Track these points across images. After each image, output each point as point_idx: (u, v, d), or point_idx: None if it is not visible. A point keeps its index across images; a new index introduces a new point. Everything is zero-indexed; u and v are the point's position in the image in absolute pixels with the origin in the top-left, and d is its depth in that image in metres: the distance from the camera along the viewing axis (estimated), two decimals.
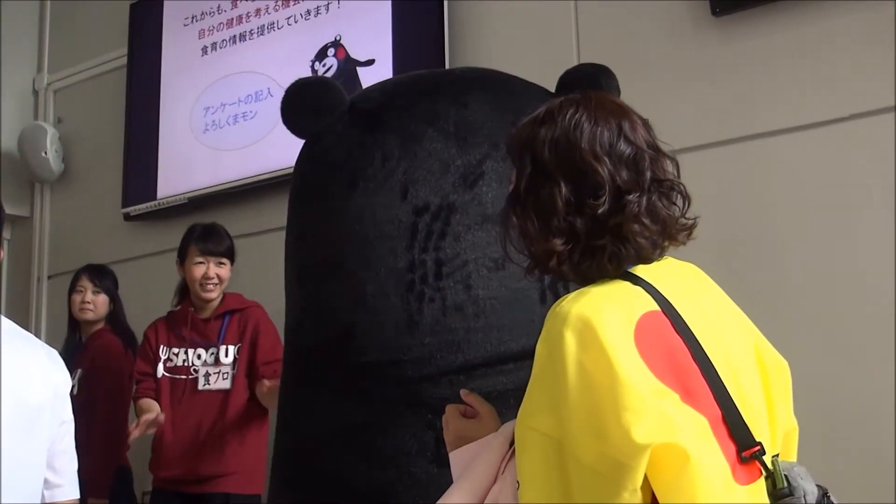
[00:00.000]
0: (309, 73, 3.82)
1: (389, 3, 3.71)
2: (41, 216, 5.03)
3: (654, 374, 1.12)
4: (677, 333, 1.18)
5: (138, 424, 3.03)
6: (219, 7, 4.33)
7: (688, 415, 1.12)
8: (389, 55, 3.66)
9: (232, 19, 4.29)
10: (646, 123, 1.32)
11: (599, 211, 1.23)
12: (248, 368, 3.18)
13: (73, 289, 3.60)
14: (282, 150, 3.64)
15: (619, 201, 1.24)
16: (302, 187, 2.15)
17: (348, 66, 3.78)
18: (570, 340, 1.16)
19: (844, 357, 2.57)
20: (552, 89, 2.17)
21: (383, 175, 1.98)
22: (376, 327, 1.89)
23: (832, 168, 2.70)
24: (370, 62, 3.72)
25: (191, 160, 4.26)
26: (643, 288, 1.22)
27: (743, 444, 1.15)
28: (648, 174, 1.27)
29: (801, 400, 2.51)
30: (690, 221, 1.32)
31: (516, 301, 1.91)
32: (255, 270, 3.36)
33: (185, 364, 3.23)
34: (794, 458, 1.32)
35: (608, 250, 1.24)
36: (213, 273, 3.21)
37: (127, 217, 4.50)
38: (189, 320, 3.28)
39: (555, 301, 1.71)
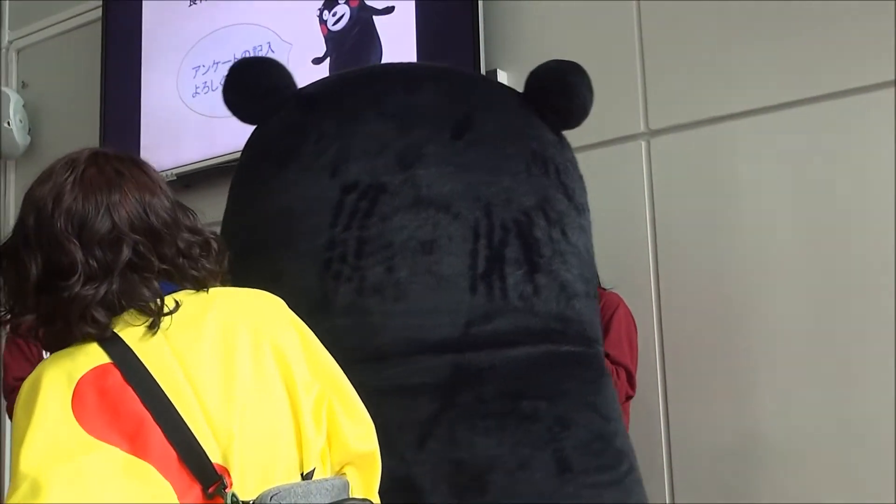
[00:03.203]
0: (317, 24, 3.61)
1: None
2: (5, 196, 4.75)
3: (85, 430, 1.19)
4: (128, 383, 1.23)
5: None
6: None
7: (123, 464, 1.17)
8: (412, 2, 3.35)
9: None
10: (151, 189, 1.37)
11: (65, 294, 1.27)
12: None
13: None
14: None
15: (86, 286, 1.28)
16: (238, 173, 2.17)
17: (363, 16, 3.49)
18: (19, 401, 1.26)
19: (841, 354, 2.52)
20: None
21: (315, 152, 1.97)
22: (290, 306, 1.75)
23: (826, 147, 2.66)
24: (389, 10, 3.42)
25: (179, 130, 3.96)
26: (102, 344, 1.27)
27: (205, 481, 1.20)
28: (125, 254, 1.31)
29: (795, 399, 2.53)
30: (219, 269, 1.43)
31: (441, 287, 1.86)
32: None
33: None
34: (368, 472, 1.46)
35: (65, 328, 1.30)
36: None
37: None
38: None
39: (487, 291, 1.83)
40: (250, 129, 3.99)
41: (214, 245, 1.44)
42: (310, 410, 1.36)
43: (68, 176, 1.33)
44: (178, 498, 1.19)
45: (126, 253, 1.30)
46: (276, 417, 1.32)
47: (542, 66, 2.14)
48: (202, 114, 3.90)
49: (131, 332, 1.29)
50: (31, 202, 1.34)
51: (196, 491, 1.21)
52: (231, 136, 3.64)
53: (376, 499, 1.44)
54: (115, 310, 1.29)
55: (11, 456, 1.21)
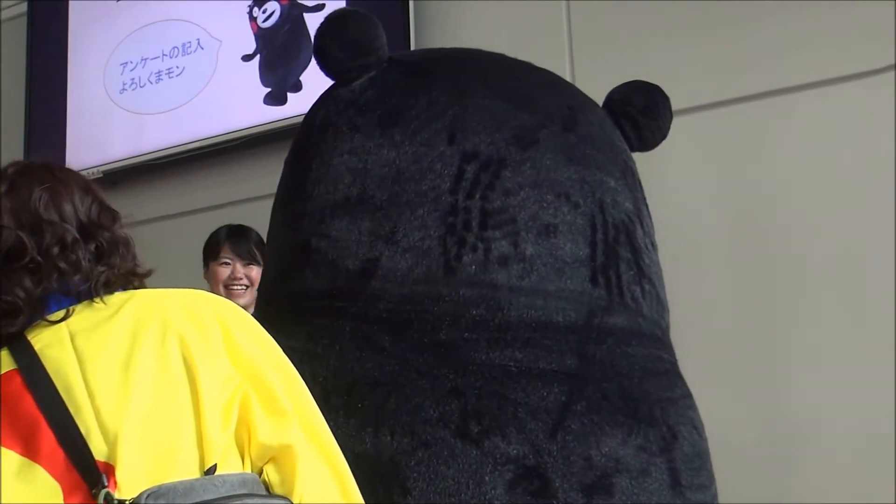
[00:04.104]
0: (247, 21, 3.56)
1: None
2: None
3: None
4: (26, 388, 1.25)
5: None
6: None
7: (16, 466, 1.20)
8: (342, 0, 3.41)
9: None
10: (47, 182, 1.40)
11: None
12: None
13: None
14: (215, 114, 3.47)
15: None
16: (317, 131, 1.95)
17: (294, 13, 3.48)
18: None
19: (849, 348, 2.48)
20: None
21: (427, 117, 1.84)
22: (404, 269, 1.73)
23: (870, 126, 2.58)
24: (320, 7, 3.43)
25: (106, 127, 3.89)
26: (10, 349, 1.30)
27: (90, 480, 1.21)
28: None
29: (832, 392, 2.47)
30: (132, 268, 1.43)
31: (566, 272, 1.76)
32: (184, 257, 3.03)
33: None
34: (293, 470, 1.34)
35: None
36: (241, 274, 2.95)
37: None
38: None
39: (607, 284, 1.76)
40: (178, 125, 3.84)
41: (131, 245, 1.45)
42: (221, 403, 1.33)
43: None
44: (65, 497, 1.20)
45: (2, 243, 1.32)
46: (175, 415, 1.30)
47: (627, 84, 2.14)
48: (130, 110, 3.87)
49: (43, 335, 1.31)
50: None
51: (81, 492, 1.22)
52: (159, 132, 3.66)
53: (300, 499, 1.34)
54: None
55: None
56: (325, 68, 1.96)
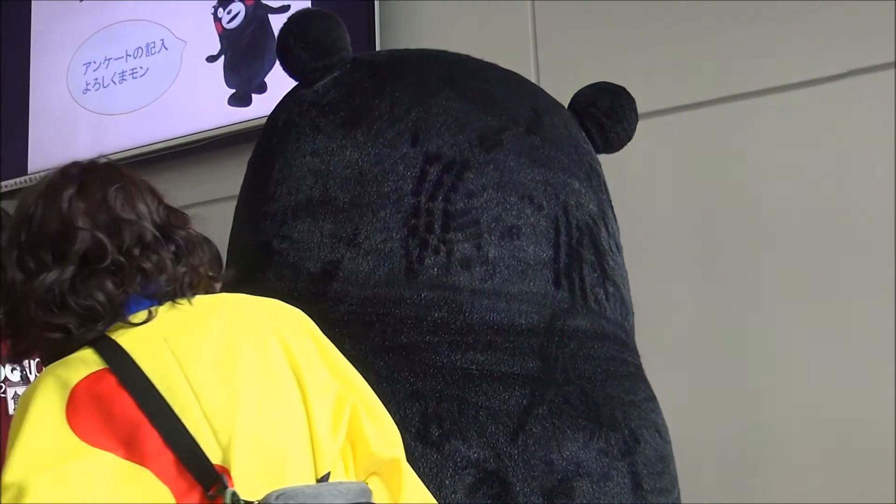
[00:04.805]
0: (211, 22, 3.52)
1: None
2: None
3: (79, 437, 1.15)
4: (122, 388, 1.19)
5: None
6: None
7: (116, 469, 1.14)
8: (307, 1, 3.33)
9: None
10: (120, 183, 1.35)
11: (13, 299, 1.28)
12: None
13: None
14: (179, 115, 3.40)
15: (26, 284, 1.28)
16: (280, 132, 1.93)
17: (259, 14, 3.44)
18: (14, 415, 1.22)
19: (842, 347, 2.43)
20: None
21: (391, 118, 1.83)
22: (365, 271, 1.70)
23: (825, 132, 2.57)
24: (285, 9, 3.37)
25: (69, 127, 3.83)
26: (96, 349, 1.23)
27: (206, 482, 1.16)
28: (78, 245, 1.28)
29: (797, 393, 2.44)
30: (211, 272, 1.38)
31: (528, 275, 1.75)
32: None
33: None
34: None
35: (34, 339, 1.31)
36: None
37: None
38: None
39: (570, 287, 1.75)
40: (142, 125, 3.71)
41: (209, 247, 1.40)
42: (328, 411, 1.31)
43: (35, 189, 1.34)
44: (177, 501, 1.15)
45: (79, 245, 1.27)
46: (286, 419, 1.27)
47: (593, 86, 2.13)
48: (93, 111, 3.79)
49: (129, 336, 1.25)
50: (6, 226, 1.35)
51: (196, 494, 1.16)
52: (122, 133, 3.60)
53: None
54: (64, 309, 1.25)
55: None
56: (288, 69, 1.94)
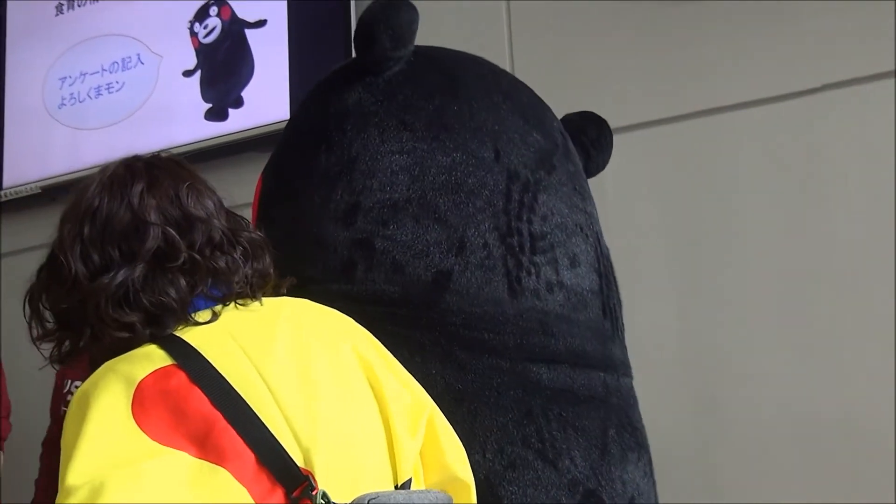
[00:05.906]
0: (187, 37, 3.46)
1: None
2: None
3: (148, 436, 1.09)
4: (195, 384, 1.14)
5: None
6: None
7: (191, 469, 1.09)
8: (283, 16, 3.32)
9: None
10: (188, 179, 1.32)
11: (79, 295, 1.23)
12: None
13: None
14: (155, 129, 3.34)
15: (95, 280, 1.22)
16: (354, 118, 1.80)
17: (235, 28, 3.40)
18: (68, 417, 1.16)
19: (835, 355, 2.49)
20: None
21: (472, 126, 1.79)
22: (475, 286, 1.67)
23: (799, 146, 2.62)
24: (261, 23, 3.36)
25: (44, 141, 3.81)
26: (161, 345, 1.19)
27: (289, 484, 1.12)
28: (150, 242, 1.24)
29: (793, 400, 2.54)
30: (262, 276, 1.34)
31: (588, 303, 1.80)
32: None
33: None
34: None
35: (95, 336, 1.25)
36: None
37: None
38: None
39: (611, 316, 1.84)
40: (118, 140, 3.67)
41: (269, 250, 1.37)
42: (405, 416, 1.31)
43: (95, 181, 1.30)
44: (257, 502, 1.11)
45: (151, 241, 1.23)
46: (363, 423, 1.26)
47: (580, 114, 2.17)
48: (69, 125, 3.77)
49: (195, 333, 1.22)
50: (63, 219, 1.29)
51: (278, 495, 1.12)
52: (98, 148, 3.56)
53: None
54: (134, 306, 1.21)
55: (59, 478, 1.09)
56: (369, 54, 1.84)
